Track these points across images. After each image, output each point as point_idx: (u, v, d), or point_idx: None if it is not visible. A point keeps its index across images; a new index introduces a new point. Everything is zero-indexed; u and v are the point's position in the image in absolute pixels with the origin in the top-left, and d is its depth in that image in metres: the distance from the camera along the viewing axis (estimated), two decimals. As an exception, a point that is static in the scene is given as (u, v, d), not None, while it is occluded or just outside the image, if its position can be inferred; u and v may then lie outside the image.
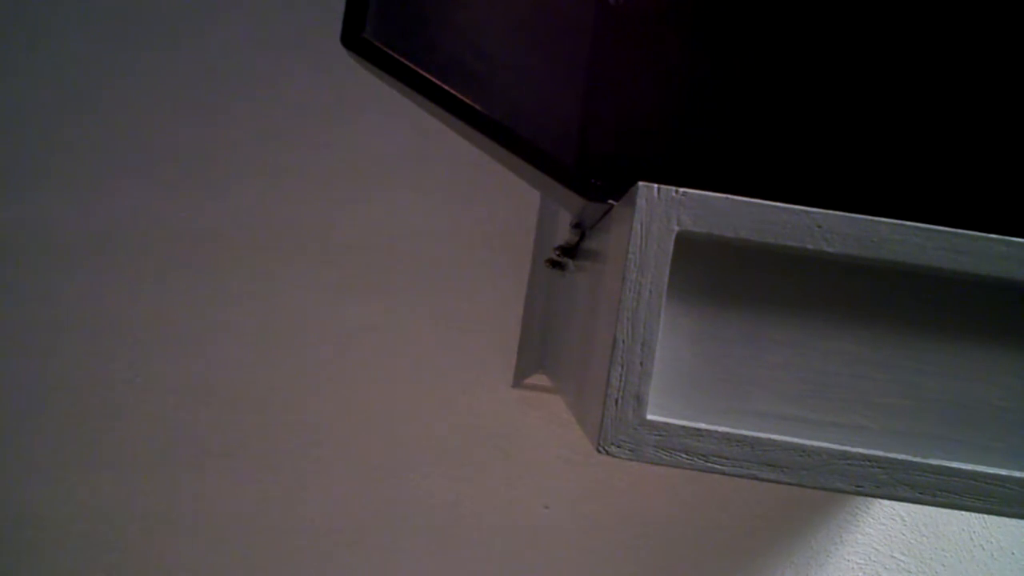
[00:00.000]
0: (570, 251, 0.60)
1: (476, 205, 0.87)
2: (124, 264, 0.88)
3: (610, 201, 0.43)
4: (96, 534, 0.87)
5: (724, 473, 0.37)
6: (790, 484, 0.38)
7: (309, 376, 0.88)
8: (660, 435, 0.37)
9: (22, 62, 0.88)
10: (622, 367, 0.37)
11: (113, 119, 0.89)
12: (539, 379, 0.85)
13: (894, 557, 0.88)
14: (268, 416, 0.87)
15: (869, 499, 0.88)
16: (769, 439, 0.37)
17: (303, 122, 0.88)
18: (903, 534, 0.88)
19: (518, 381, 0.87)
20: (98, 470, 0.87)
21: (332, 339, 0.88)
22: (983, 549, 0.88)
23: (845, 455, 0.37)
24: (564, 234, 0.65)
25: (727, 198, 0.37)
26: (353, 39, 0.40)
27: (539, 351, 0.83)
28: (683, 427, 0.37)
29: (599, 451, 0.37)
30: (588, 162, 0.48)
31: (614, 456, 0.37)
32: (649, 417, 0.37)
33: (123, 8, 0.88)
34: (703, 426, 0.37)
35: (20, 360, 0.88)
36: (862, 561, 0.88)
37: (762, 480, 0.38)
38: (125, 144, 0.88)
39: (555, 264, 0.65)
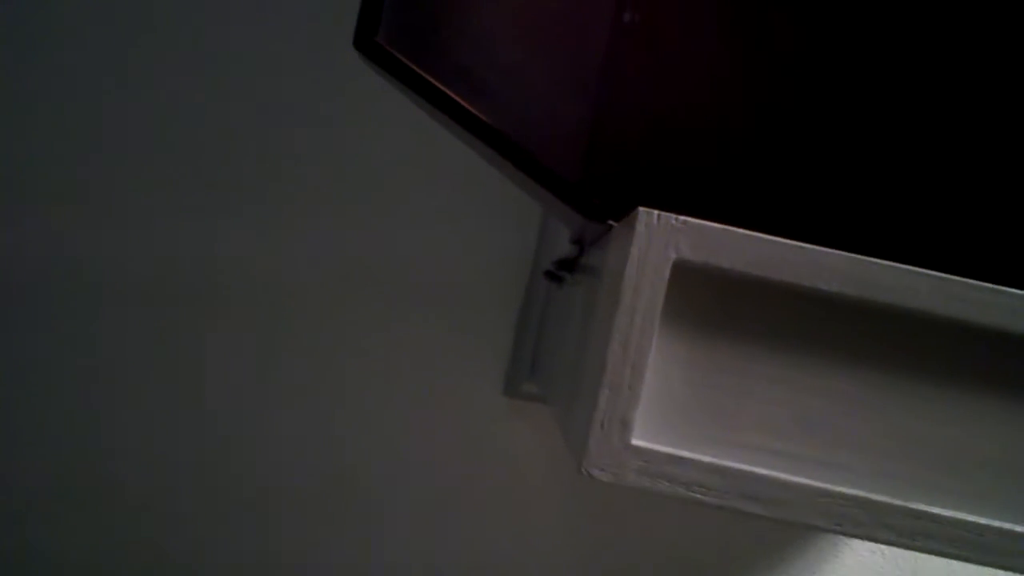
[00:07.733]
0: (568, 265, 0.60)
1: (477, 214, 0.87)
2: (122, 292, 0.87)
3: (610, 222, 0.43)
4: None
5: (704, 504, 0.37)
6: (770, 518, 0.38)
7: (299, 384, 0.87)
8: (644, 461, 0.37)
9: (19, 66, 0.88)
10: (610, 389, 0.37)
11: (115, 137, 0.88)
12: (531, 387, 0.85)
13: (872, 590, 0.88)
14: (261, 422, 0.87)
15: (851, 531, 0.87)
16: (751, 472, 0.37)
17: (301, 124, 0.88)
18: (882, 567, 0.88)
19: (509, 390, 0.87)
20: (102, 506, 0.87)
21: (324, 346, 0.87)
22: (962, 589, 0.88)
23: (827, 493, 0.37)
24: (563, 248, 0.65)
25: (726, 229, 0.36)
26: (366, 43, 0.40)
27: (531, 361, 0.83)
28: (667, 454, 0.37)
29: (581, 473, 0.37)
30: (591, 181, 0.48)
31: (595, 478, 0.37)
32: (634, 442, 0.37)
33: (123, 10, 0.88)
34: (687, 454, 0.37)
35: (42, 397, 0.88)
36: (840, 592, 0.88)
37: (742, 512, 0.38)
38: (124, 160, 0.88)
39: (552, 277, 0.65)
